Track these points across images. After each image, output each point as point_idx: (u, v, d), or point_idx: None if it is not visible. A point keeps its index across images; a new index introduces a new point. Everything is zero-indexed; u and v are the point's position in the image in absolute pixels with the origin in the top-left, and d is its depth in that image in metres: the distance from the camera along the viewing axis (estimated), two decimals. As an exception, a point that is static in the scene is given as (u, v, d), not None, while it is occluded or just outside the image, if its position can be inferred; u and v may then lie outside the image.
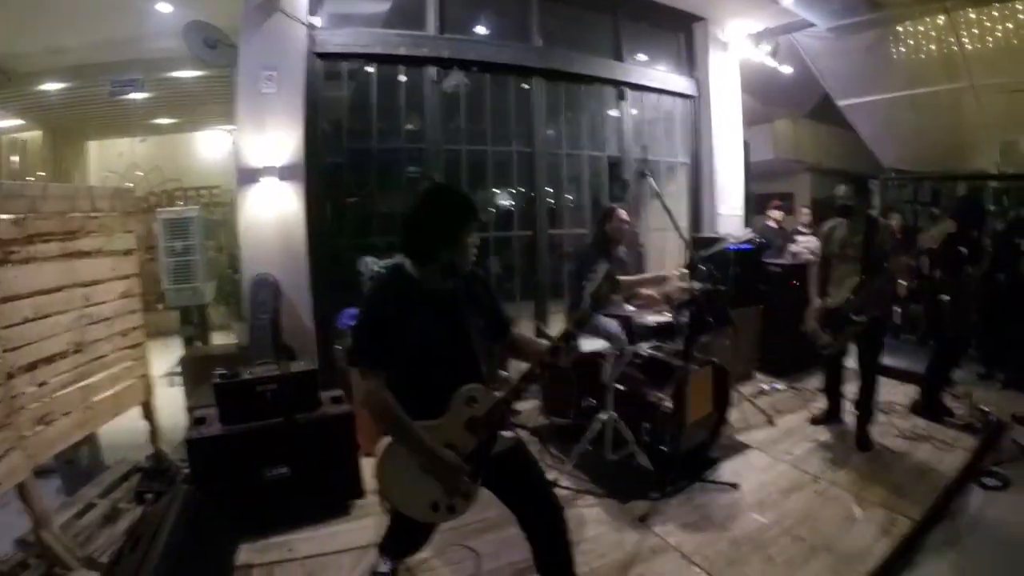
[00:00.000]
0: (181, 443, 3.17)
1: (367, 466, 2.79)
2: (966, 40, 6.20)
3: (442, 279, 1.94)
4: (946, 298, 4.26)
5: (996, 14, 5.92)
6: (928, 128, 7.32)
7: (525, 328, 4.79)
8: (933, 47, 6.51)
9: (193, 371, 4.16)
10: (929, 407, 4.37)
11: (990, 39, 6.07)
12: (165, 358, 5.32)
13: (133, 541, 2.23)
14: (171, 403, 4.06)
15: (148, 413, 3.69)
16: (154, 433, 3.66)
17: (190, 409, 3.51)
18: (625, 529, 2.91)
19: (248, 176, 3.82)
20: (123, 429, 3.58)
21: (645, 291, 4.14)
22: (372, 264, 3.78)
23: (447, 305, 1.95)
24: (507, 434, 2.00)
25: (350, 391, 3.28)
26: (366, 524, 2.83)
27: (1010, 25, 5.89)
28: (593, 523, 2.97)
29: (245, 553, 2.63)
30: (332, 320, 3.88)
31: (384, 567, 2.38)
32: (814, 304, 4.00)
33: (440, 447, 1.87)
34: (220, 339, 5.54)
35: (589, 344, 3.76)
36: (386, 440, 1.90)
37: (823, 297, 3.97)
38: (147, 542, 2.10)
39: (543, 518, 2.08)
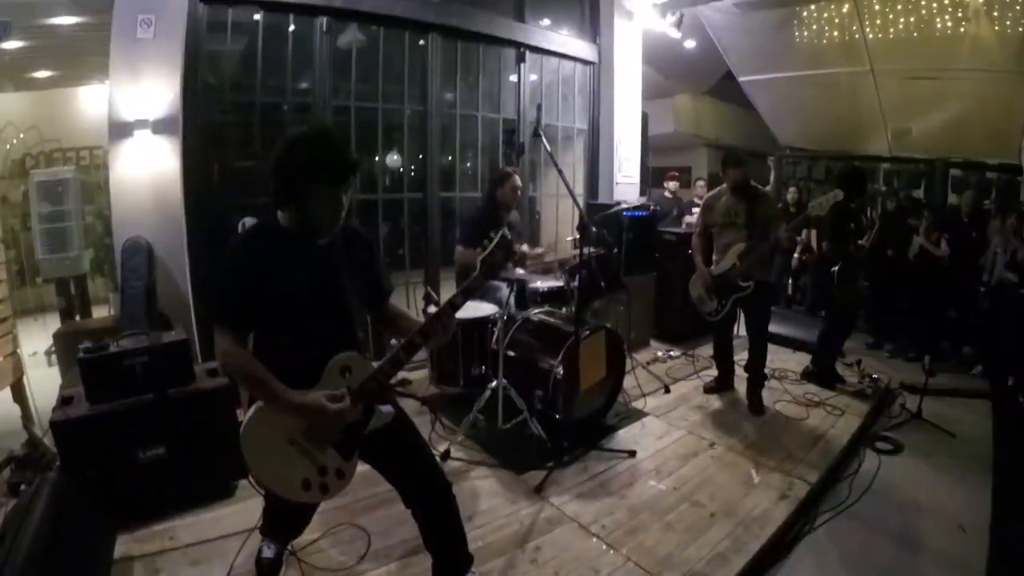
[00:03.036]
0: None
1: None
2: (868, 29, 6.48)
3: (312, 234, 1.76)
4: (835, 269, 4.44)
5: (900, 7, 6.21)
6: (825, 109, 7.62)
7: (416, 294, 4.71)
8: (836, 33, 6.77)
9: (68, 348, 3.80)
10: (821, 374, 4.56)
11: (892, 30, 6.36)
12: (44, 335, 4.86)
13: (-1, 538, 1.98)
14: (48, 384, 3.70)
15: (19, 396, 3.37)
16: (26, 417, 3.34)
17: (63, 390, 3.21)
18: (520, 500, 2.86)
19: (120, 130, 3.48)
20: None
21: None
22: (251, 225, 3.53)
23: (320, 262, 1.77)
24: (385, 408, 1.85)
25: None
26: (251, 505, 2.60)
27: (912, 18, 6.19)
28: (487, 495, 2.90)
29: (124, 544, 2.40)
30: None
31: (268, 551, 2.25)
32: (700, 272, 4.10)
33: (310, 395, 1.70)
34: (103, 314, 5.10)
35: (477, 309, 3.70)
36: (249, 414, 1.74)
37: (706, 265, 4.08)
38: (11, 539, 1.86)
39: (427, 496, 1.99)
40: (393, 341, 4.08)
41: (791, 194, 7.47)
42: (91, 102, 7.43)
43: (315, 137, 1.73)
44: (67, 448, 2.49)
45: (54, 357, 4.47)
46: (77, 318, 4.83)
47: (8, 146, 7.15)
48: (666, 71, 8.48)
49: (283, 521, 2.25)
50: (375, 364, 1.81)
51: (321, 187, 1.67)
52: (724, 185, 4.04)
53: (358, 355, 1.80)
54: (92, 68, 6.61)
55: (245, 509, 2.64)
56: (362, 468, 1.91)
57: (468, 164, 5.42)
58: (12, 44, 5.42)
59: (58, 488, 2.18)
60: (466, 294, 1.84)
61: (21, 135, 7.42)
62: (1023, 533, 2.91)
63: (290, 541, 2.33)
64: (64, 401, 2.61)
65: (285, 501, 1.90)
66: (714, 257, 4.06)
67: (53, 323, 4.87)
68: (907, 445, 3.69)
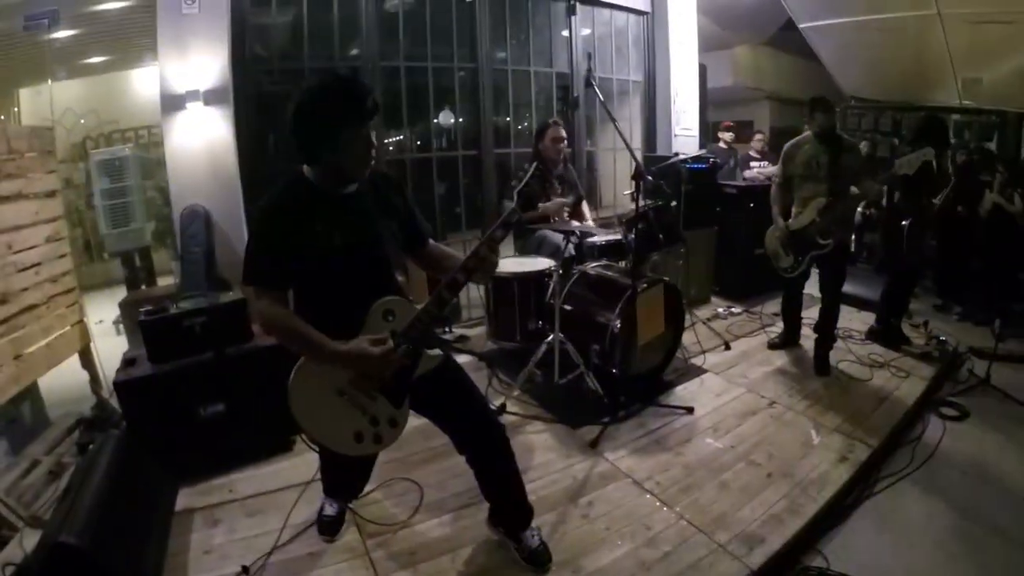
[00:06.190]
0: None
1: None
2: (935, -30, 6.08)
3: (341, 183, 1.73)
4: (905, 223, 4.22)
5: (967, -57, 5.81)
6: (891, 56, 7.21)
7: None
8: (898, -26, 6.38)
9: (133, 316, 3.94)
10: (886, 334, 4.37)
11: (960, -30, 5.96)
12: (112, 307, 5.08)
13: (64, 493, 2.08)
14: (117, 352, 3.88)
15: (87, 362, 3.53)
16: (95, 382, 3.50)
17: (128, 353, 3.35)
18: (575, 455, 2.85)
19: (172, 103, 3.57)
20: (68, 382, 3.46)
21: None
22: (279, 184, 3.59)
23: (352, 210, 1.75)
24: (433, 351, 1.82)
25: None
26: (309, 459, 2.66)
27: (981, -44, 5.79)
28: (542, 449, 2.90)
29: (185, 497, 2.50)
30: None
31: (330, 509, 2.30)
32: (777, 225, 3.91)
33: (352, 343, 1.68)
34: (168, 282, 5.30)
35: (533, 264, 3.67)
36: (295, 369, 1.73)
37: (785, 218, 3.88)
38: (75, 492, 1.94)
39: (479, 438, 1.98)
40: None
41: (864, 147, 7.13)
42: (145, 83, 7.64)
43: (332, 82, 1.70)
44: (130, 406, 2.58)
45: (122, 327, 4.68)
46: (143, 288, 5.03)
47: (68, 130, 7.43)
48: (723, 21, 8.20)
49: (340, 479, 2.28)
50: (418, 306, 1.78)
51: (348, 129, 1.64)
52: (807, 133, 3.83)
53: (401, 298, 1.78)
54: (142, 50, 6.81)
55: (303, 462, 2.71)
56: (417, 422, 1.91)
57: (525, 123, 5.37)
58: (63, 33, 5.61)
59: (121, 444, 2.26)
60: (505, 227, 1.76)
61: (82, 120, 7.74)
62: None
63: (352, 499, 2.37)
64: (127, 363, 2.71)
65: (340, 457, 1.90)
66: (793, 210, 3.86)
67: (120, 295, 5.09)
68: (974, 412, 3.52)
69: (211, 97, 3.61)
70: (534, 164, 1.84)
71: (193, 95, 3.58)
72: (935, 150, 3.82)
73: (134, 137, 7.75)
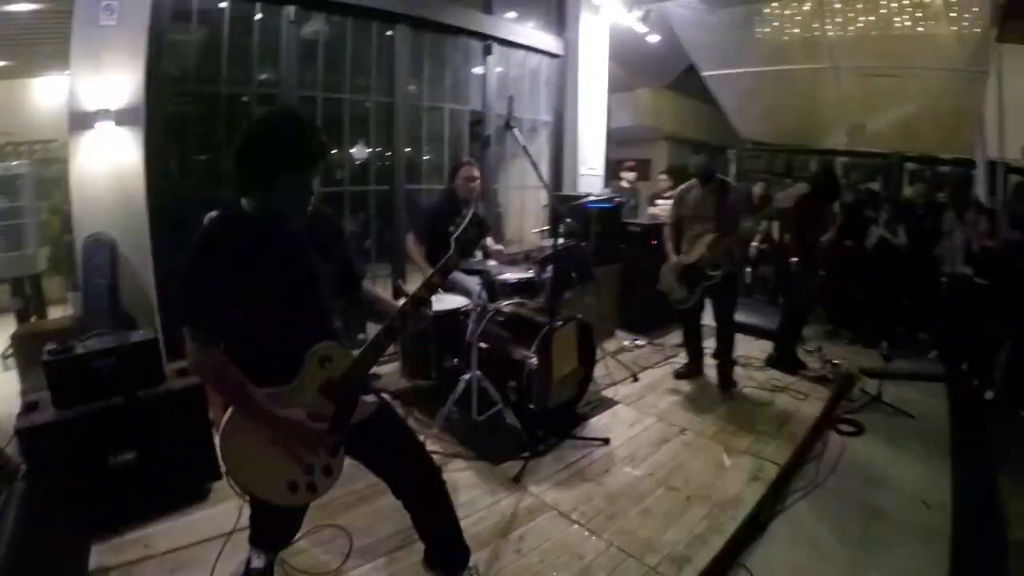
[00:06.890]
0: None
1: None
2: (829, 27, 6.66)
3: (279, 222, 1.65)
4: (794, 260, 4.60)
5: (860, 6, 6.41)
6: (786, 104, 7.79)
7: (383, 289, 4.55)
8: (797, 30, 6.95)
9: (27, 350, 3.65)
10: (784, 360, 4.69)
11: (852, 28, 6.56)
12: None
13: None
14: (6, 389, 3.56)
15: (-24, 404, 3.22)
16: (-14, 426, 3.19)
17: (24, 394, 3.06)
18: (499, 491, 2.88)
19: (81, 121, 3.32)
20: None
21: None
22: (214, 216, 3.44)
23: (290, 250, 1.67)
24: (369, 398, 1.79)
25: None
26: (227, 508, 2.54)
27: (872, 17, 6.40)
28: (466, 487, 2.90)
29: (98, 555, 2.32)
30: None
31: (257, 562, 2.15)
32: (670, 261, 4.23)
33: (287, 410, 1.63)
34: (59, 314, 4.90)
35: (449, 301, 3.68)
36: (227, 416, 1.65)
37: (677, 255, 4.21)
38: None
39: (419, 483, 1.96)
40: (360, 336, 4.04)
41: (759, 188, 7.66)
42: (45, 94, 7.12)
43: (283, 120, 1.64)
44: (34, 456, 2.35)
45: (11, 361, 4.30)
46: (33, 319, 4.65)
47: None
48: (628, 65, 8.49)
49: (272, 528, 2.15)
50: (355, 353, 1.75)
51: (290, 172, 1.58)
52: (694, 179, 4.18)
53: (337, 345, 1.73)
54: (46, 58, 6.31)
55: (221, 512, 2.57)
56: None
57: (429, 157, 5.40)
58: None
59: (27, 498, 2.07)
60: (443, 274, 1.75)
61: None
62: (982, 507, 3.05)
63: (281, 550, 2.24)
64: (29, 407, 2.49)
65: (273, 507, 1.84)
66: (683, 247, 4.19)
67: (5, 325, 4.67)
68: (868, 426, 3.81)
69: (123, 117, 3.39)
70: (472, 211, 1.87)
71: (104, 114, 3.33)
72: (818, 194, 4.26)
73: (28, 152, 7.12)
